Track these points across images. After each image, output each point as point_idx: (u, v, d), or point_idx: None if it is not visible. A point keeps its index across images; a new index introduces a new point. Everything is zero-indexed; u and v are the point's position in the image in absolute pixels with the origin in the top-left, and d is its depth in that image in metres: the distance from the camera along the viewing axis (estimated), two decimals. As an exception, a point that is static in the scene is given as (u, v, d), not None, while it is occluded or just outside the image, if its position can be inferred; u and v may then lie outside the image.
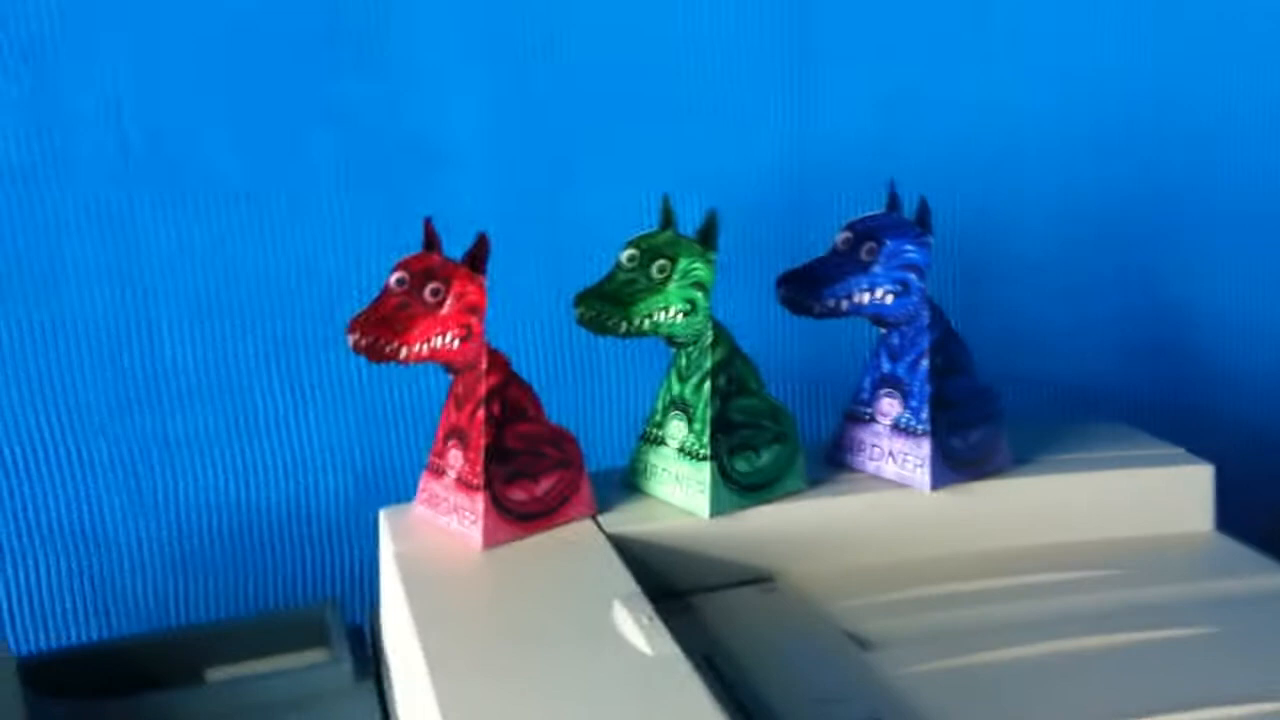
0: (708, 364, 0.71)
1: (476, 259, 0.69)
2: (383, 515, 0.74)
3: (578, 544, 0.68)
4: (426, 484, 0.72)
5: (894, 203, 0.73)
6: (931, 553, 0.72)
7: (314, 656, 0.79)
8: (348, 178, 0.87)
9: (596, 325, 0.72)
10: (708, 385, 0.71)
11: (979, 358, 0.76)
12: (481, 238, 0.70)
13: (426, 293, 0.69)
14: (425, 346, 0.69)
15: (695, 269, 0.71)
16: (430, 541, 0.69)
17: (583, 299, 0.71)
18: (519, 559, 0.67)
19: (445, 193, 0.89)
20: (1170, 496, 0.76)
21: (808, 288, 0.75)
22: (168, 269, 0.85)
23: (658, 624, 0.57)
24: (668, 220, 0.71)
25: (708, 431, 0.70)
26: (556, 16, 0.90)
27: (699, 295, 0.71)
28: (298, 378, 0.88)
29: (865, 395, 0.76)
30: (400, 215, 0.87)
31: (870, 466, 0.75)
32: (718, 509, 0.70)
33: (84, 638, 0.86)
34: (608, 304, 0.71)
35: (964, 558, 0.72)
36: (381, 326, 0.68)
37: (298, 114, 0.86)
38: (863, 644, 0.64)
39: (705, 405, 0.71)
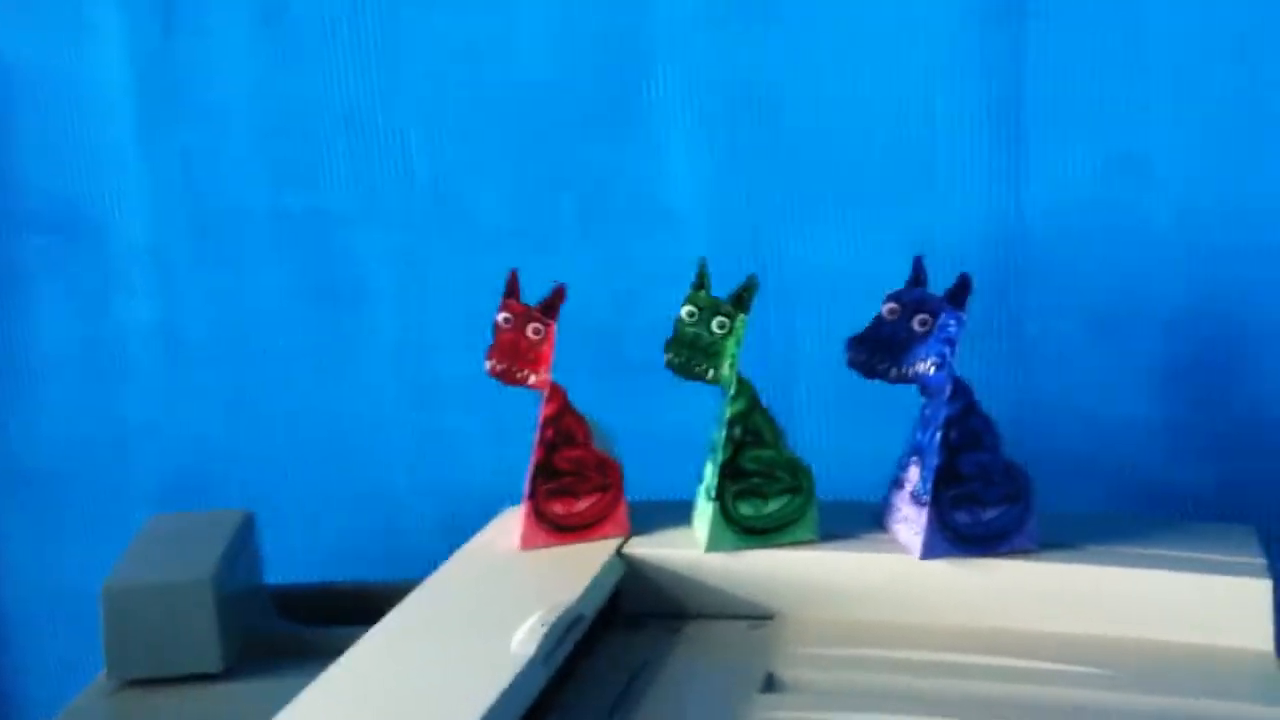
0: (727, 414, 0.78)
1: (550, 306, 0.82)
2: (502, 512, 0.89)
3: (584, 558, 0.79)
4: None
5: (920, 277, 0.76)
6: (912, 619, 0.74)
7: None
8: (585, 229, 1.03)
9: (685, 371, 0.81)
10: (724, 434, 0.78)
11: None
12: (558, 288, 0.83)
13: (529, 330, 0.83)
14: (542, 374, 0.83)
15: (740, 327, 0.78)
16: (501, 536, 0.84)
17: (670, 345, 0.81)
18: (532, 562, 0.80)
19: (664, 244, 1.02)
20: (1203, 607, 0.71)
21: (882, 353, 0.79)
22: (446, 293, 1.06)
23: (544, 632, 0.68)
24: (702, 282, 0.79)
25: (716, 475, 0.78)
26: (776, 90, 0.99)
27: (737, 351, 0.78)
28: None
29: (903, 461, 0.78)
30: (623, 262, 1.02)
31: (894, 528, 0.78)
32: (714, 545, 0.78)
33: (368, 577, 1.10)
34: (696, 352, 0.81)
35: (938, 629, 0.73)
36: (511, 357, 0.83)
37: (554, 174, 1.03)
38: (769, 686, 0.69)
39: (719, 452, 0.78)
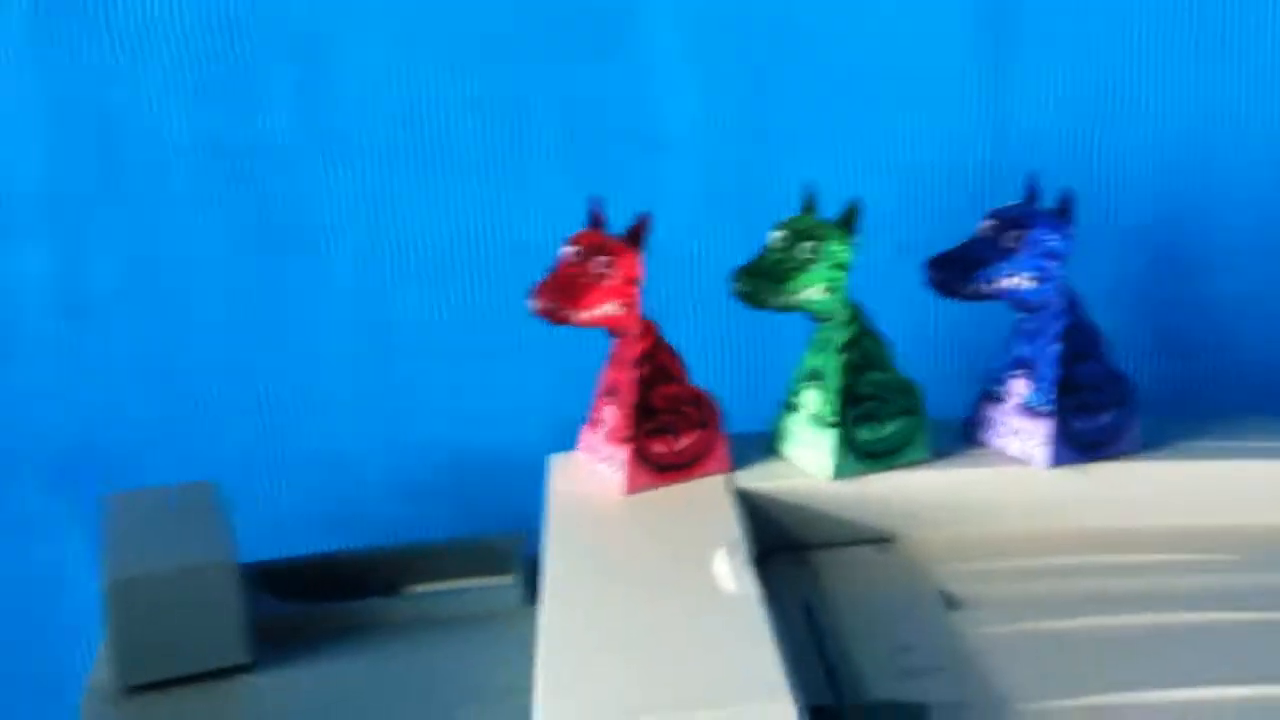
0: (841, 339, 0.77)
1: (637, 236, 0.78)
2: (551, 461, 0.84)
3: (705, 496, 0.76)
4: (585, 435, 0.82)
5: (1032, 195, 0.77)
6: (1043, 527, 0.76)
7: (499, 580, 0.90)
8: (567, 158, 0.98)
9: (753, 300, 0.79)
10: (840, 358, 0.77)
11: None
12: (643, 218, 0.78)
13: (595, 265, 0.78)
14: (595, 312, 0.78)
15: (837, 251, 0.77)
16: (583, 484, 0.79)
17: (739, 275, 0.78)
18: (652, 504, 0.75)
19: (650, 173, 0.98)
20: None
21: (958, 271, 0.79)
22: (411, 232, 0.98)
23: (748, 568, 0.65)
24: (810, 207, 0.77)
25: (836, 401, 0.77)
26: (769, 18, 0.97)
27: (839, 275, 0.77)
28: (511, 334, 1.00)
29: (999, 376, 0.80)
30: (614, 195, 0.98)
31: (997, 443, 0.80)
32: (841, 473, 0.77)
33: (319, 548, 1.01)
34: (763, 280, 0.78)
35: (1075, 534, 0.75)
36: (559, 294, 0.78)
37: (530, 96, 0.97)
38: (951, 604, 0.69)
39: (836, 376, 0.77)
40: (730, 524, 0.71)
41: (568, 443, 0.85)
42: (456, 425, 1.02)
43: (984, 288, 0.79)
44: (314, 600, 0.84)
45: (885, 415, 0.78)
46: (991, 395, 0.81)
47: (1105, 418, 0.78)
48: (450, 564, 0.89)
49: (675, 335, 0.79)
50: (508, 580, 0.86)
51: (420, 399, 1.01)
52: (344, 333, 0.99)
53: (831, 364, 0.78)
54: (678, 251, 0.99)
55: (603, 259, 0.78)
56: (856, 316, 0.77)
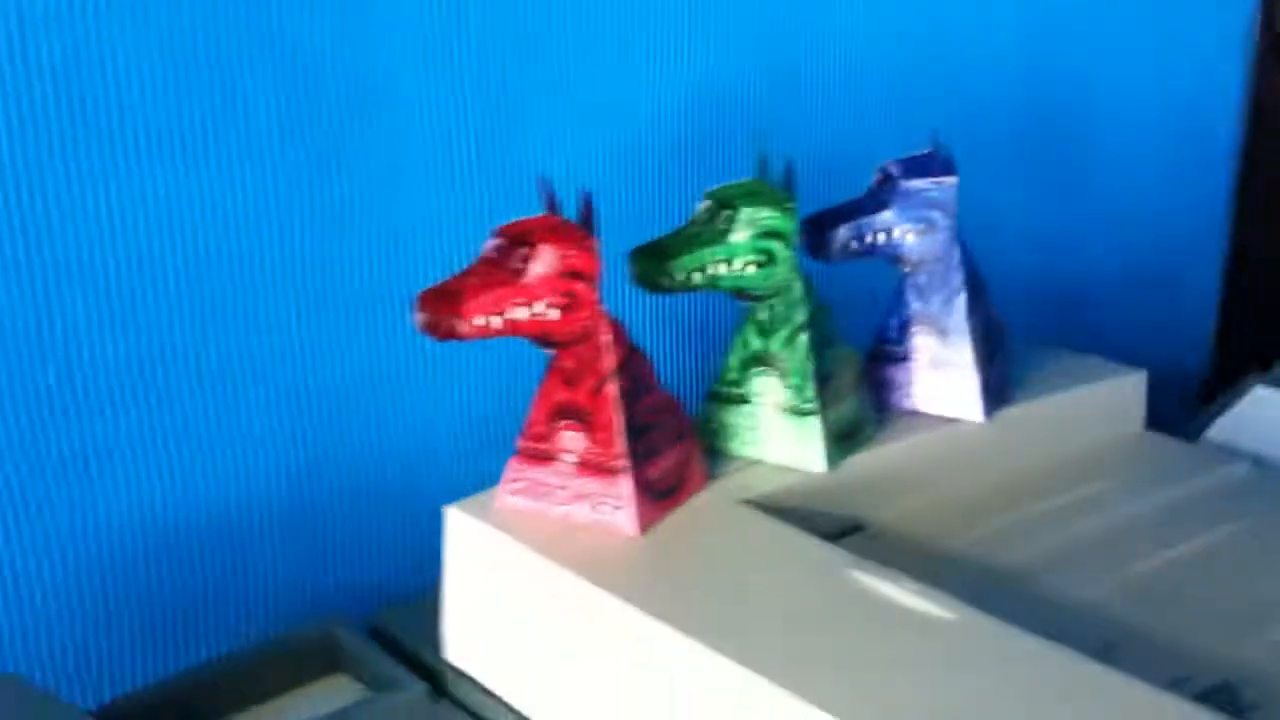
0: (800, 317, 0.69)
1: (584, 220, 0.63)
2: (450, 514, 0.66)
3: (727, 521, 0.65)
4: (523, 472, 0.66)
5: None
6: (990, 478, 0.76)
7: (335, 683, 0.70)
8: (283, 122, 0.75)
9: (648, 283, 0.68)
10: (804, 338, 0.69)
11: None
12: (585, 198, 0.64)
13: (515, 259, 0.62)
14: (498, 319, 0.62)
15: (767, 218, 0.69)
16: (559, 535, 0.63)
17: (632, 256, 0.67)
18: (679, 543, 0.63)
19: (383, 138, 0.79)
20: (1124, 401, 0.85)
21: (826, 230, 0.75)
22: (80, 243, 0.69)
23: (925, 589, 0.57)
24: (763, 169, 0.68)
25: (811, 386, 0.69)
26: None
27: (775, 245, 0.69)
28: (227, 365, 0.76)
29: (895, 335, 0.78)
30: (339, 161, 0.77)
31: (907, 403, 0.78)
32: (834, 461, 0.70)
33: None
34: (654, 259, 0.68)
35: (1009, 476, 0.76)
36: (439, 301, 0.61)
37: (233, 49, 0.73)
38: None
39: (805, 359, 0.69)
40: (809, 544, 0.62)
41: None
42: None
43: (855, 245, 0.76)
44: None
45: (845, 393, 0.72)
46: (888, 355, 0.78)
47: (999, 364, 0.79)
48: (266, 676, 0.69)
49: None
50: (354, 679, 0.70)
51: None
52: None
53: (794, 346, 0.70)
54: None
55: (523, 251, 0.63)
56: (810, 290, 0.70)
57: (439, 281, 0.62)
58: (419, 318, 0.61)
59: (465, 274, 0.62)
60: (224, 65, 0.72)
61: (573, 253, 0.63)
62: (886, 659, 0.54)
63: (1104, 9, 1.16)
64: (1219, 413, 0.94)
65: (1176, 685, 0.55)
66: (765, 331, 0.70)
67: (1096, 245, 1.23)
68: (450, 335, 0.62)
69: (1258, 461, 0.82)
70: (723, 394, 0.72)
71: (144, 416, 0.73)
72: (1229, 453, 0.85)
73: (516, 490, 0.66)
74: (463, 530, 0.66)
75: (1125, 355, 0.89)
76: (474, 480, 0.73)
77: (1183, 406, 1.10)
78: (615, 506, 0.63)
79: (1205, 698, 0.55)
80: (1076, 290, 1.21)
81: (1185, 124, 1.28)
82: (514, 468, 0.66)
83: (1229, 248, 1.39)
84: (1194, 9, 1.25)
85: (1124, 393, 0.85)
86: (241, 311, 0.76)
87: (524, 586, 0.64)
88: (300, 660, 0.69)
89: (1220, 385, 1.13)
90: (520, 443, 0.66)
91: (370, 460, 0.82)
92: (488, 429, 0.86)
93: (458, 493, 0.69)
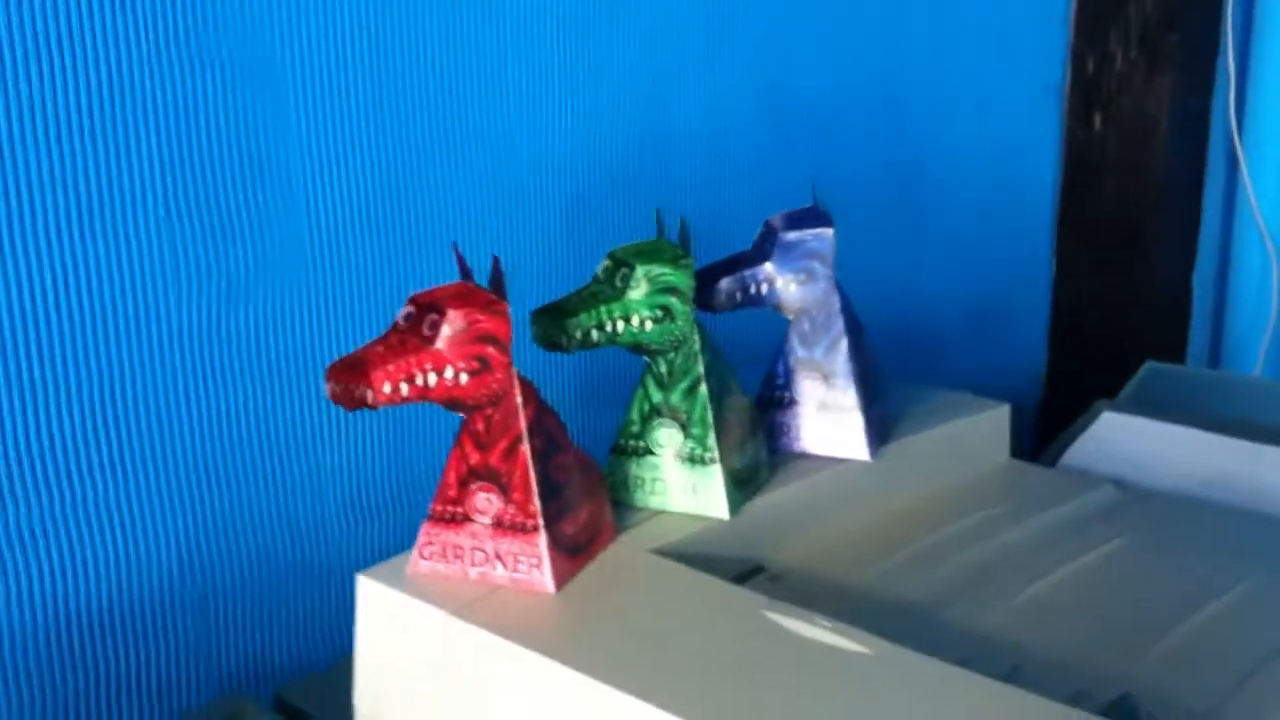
0: (699, 369, 0.72)
1: (494, 284, 0.65)
2: (362, 582, 0.66)
3: (639, 564, 0.67)
4: (436, 535, 0.66)
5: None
6: (879, 514, 0.79)
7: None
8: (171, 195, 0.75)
9: (546, 342, 0.70)
10: (703, 389, 0.72)
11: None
12: (494, 261, 0.65)
13: (425, 325, 0.63)
14: (406, 386, 0.63)
15: (664, 275, 0.71)
16: (476, 597, 0.64)
17: (533, 316, 0.69)
18: (598, 591, 0.64)
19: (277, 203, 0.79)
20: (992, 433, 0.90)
21: (711, 283, 0.78)
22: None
23: (839, 624, 0.60)
24: (660, 230, 0.70)
25: (711, 435, 0.71)
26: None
27: (673, 300, 0.71)
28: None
29: (780, 382, 0.80)
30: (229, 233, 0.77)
31: (796, 446, 0.80)
32: (735, 507, 0.72)
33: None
34: (553, 318, 0.70)
35: (902, 511, 0.80)
36: (348, 372, 0.62)
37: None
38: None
39: (705, 409, 0.71)
40: (722, 589, 0.64)
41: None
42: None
43: (740, 296, 0.79)
44: None
45: (745, 440, 0.74)
46: (777, 401, 0.81)
47: (879, 404, 0.82)
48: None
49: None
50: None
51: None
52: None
53: (694, 398, 0.72)
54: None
55: (431, 318, 0.64)
56: (708, 342, 0.72)
57: (349, 352, 0.62)
58: (328, 388, 0.61)
59: (374, 343, 0.63)
60: (112, 137, 0.72)
61: (482, 318, 0.64)
62: (811, 693, 0.56)
63: (937, 74, 1.24)
64: (1071, 439, 1.00)
65: (1080, 700, 0.59)
66: (664, 384, 0.72)
67: (937, 289, 1.29)
68: (361, 404, 0.62)
69: (1118, 483, 0.87)
70: (626, 447, 0.73)
71: (31, 508, 0.72)
72: (1090, 477, 0.90)
73: (430, 554, 0.66)
74: (376, 598, 0.66)
75: (967, 389, 0.94)
76: (366, 545, 0.73)
77: (1022, 435, 1.17)
78: (532, 565, 0.64)
79: (1109, 711, 0.58)
80: (923, 331, 1.27)
81: (1005, 173, 1.37)
82: (427, 532, 0.66)
83: (1053, 285, 1.48)
84: (1010, 66, 1.34)
85: (992, 425, 0.90)
86: (132, 392, 0.75)
87: (443, 651, 0.64)
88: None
89: (1054, 414, 1.20)
90: (433, 506, 0.66)
91: (264, 529, 0.82)
92: (379, 492, 0.86)
93: (352, 559, 0.69)
